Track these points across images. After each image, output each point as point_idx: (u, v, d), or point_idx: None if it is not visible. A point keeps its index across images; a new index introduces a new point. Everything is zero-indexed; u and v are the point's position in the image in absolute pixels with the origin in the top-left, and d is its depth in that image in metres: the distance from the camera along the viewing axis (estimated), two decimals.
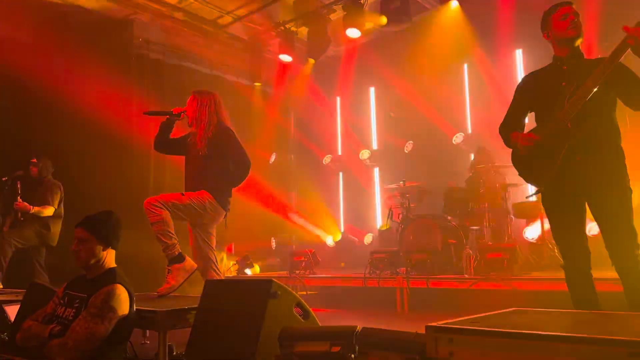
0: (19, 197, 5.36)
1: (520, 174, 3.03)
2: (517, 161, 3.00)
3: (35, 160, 5.64)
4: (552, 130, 2.74)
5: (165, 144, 4.22)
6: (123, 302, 2.66)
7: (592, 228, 3.05)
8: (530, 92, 3.01)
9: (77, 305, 2.68)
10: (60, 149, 6.28)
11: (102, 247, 2.78)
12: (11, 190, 5.46)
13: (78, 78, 6.66)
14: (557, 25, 2.85)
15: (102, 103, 6.77)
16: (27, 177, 5.60)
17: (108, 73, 6.99)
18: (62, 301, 2.79)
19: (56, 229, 5.60)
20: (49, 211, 5.47)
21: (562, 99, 2.74)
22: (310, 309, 2.69)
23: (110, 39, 7.35)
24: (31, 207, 5.34)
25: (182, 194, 3.83)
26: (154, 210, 3.67)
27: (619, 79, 2.65)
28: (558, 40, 2.89)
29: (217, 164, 3.94)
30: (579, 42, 2.86)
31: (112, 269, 2.83)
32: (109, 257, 2.84)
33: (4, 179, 5.49)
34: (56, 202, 5.58)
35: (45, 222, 5.50)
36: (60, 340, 2.52)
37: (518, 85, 3.13)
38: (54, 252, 5.68)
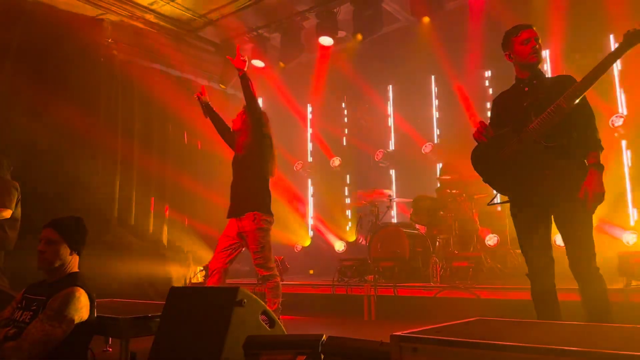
0: None
1: (485, 180, 3.09)
2: (477, 162, 3.08)
3: None
4: (521, 144, 2.83)
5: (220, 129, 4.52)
6: (83, 306, 2.60)
7: (557, 239, 3.15)
8: (497, 113, 3.13)
9: (34, 308, 2.61)
10: (23, 149, 6.10)
11: (69, 251, 2.73)
12: None
13: (44, 77, 6.50)
14: (519, 49, 2.96)
15: (68, 104, 6.62)
16: None
17: (75, 73, 6.84)
18: (19, 305, 2.72)
19: (13, 232, 5.35)
20: (5, 213, 5.18)
21: (526, 118, 2.84)
22: (277, 317, 2.68)
23: (78, 38, 7.19)
24: None
25: (262, 248, 4.01)
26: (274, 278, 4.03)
27: (577, 115, 2.75)
28: (519, 63, 3.01)
29: (253, 174, 4.21)
30: (539, 65, 2.99)
31: (74, 273, 2.77)
32: (73, 262, 2.78)
33: None
34: (13, 204, 5.30)
35: (1, 225, 5.26)
36: (15, 343, 2.45)
37: (491, 108, 3.24)
38: (11, 256, 5.47)
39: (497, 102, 3.17)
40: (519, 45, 2.95)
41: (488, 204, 3.22)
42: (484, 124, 2.94)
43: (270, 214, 4.12)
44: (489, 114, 8.10)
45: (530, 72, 2.98)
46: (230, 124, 4.45)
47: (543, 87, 2.88)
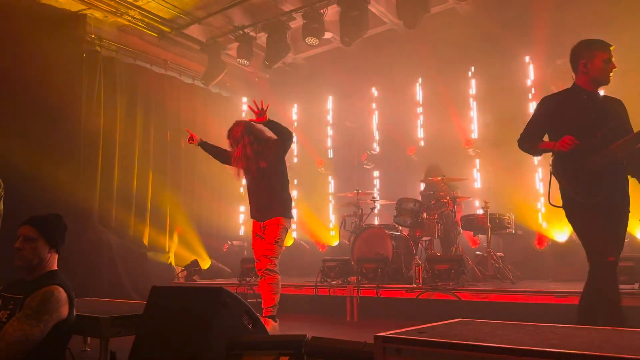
0: None
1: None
2: (569, 176, 3.18)
3: None
4: (604, 159, 3.02)
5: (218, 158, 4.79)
6: (62, 305, 2.55)
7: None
8: (552, 116, 3.25)
9: (11, 307, 2.56)
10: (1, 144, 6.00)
11: (48, 249, 2.68)
12: None
13: (26, 73, 6.38)
14: (601, 67, 3.12)
15: (50, 101, 6.51)
16: None
17: (57, 69, 6.73)
18: None
19: None
20: None
21: (595, 129, 3.04)
22: (260, 317, 2.67)
23: (61, 33, 7.08)
24: None
25: (276, 242, 4.27)
26: (274, 274, 4.25)
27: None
28: (593, 78, 3.16)
29: (277, 179, 4.41)
30: None
31: (53, 271, 2.72)
32: (52, 260, 2.73)
33: None
34: None
35: None
36: None
37: (539, 107, 3.36)
38: None
39: (552, 103, 3.30)
40: (602, 62, 3.11)
41: (553, 205, 3.30)
42: (574, 140, 3.05)
43: (291, 216, 4.48)
44: (472, 114, 8.19)
45: (596, 88, 3.19)
46: (227, 149, 4.69)
47: (602, 104, 3.14)
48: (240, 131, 4.42)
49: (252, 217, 4.56)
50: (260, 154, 4.38)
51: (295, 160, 9.54)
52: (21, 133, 6.30)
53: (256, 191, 4.48)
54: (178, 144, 8.35)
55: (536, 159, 7.12)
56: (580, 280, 5.79)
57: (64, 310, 2.57)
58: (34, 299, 2.50)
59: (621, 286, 4.24)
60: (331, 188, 9.13)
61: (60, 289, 2.58)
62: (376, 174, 8.66)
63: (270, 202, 4.37)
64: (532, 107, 7.27)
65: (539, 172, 7.11)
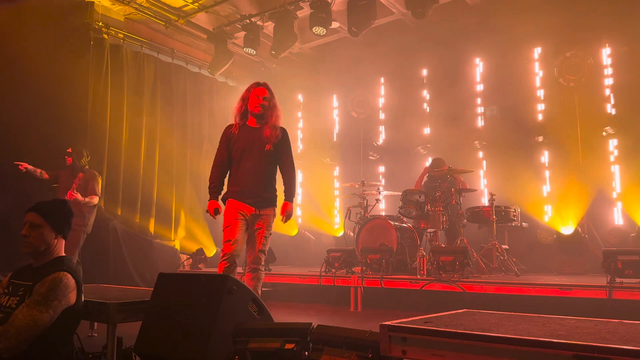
0: (74, 186, 5.41)
1: None
2: None
3: (70, 150, 5.79)
4: None
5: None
6: (70, 291, 2.57)
7: None
8: None
9: (21, 293, 2.58)
10: (6, 133, 6.02)
11: (54, 235, 2.69)
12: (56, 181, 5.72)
13: (33, 60, 6.38)
14: None
15: (58, 88, 6.51)
16: (67, 168, 5.75)
17: (65, 56, 6.73)
18: (6, 290, 2.68)
19: (92, 216, 5.74)
20: (96, 200, 5.64)
21: None
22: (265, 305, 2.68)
23: (68, 21, 7.07)
24: (83, 198, 5.45)
25: (270, 234, 3.97)
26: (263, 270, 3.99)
27: None
28: None
29: (274, 169, 4.09)
30: None
31: (60, 257, 2.73)
32: (59, 246, 2.74)
33: (45, 176, 5.67)
34: (100, 191, 5.75)
35: (87, 210, 5.59)
36: (1, 328, 2.41)
37: None
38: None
39: None
40: None
41: None
42: None
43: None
44: (479, 109, 8.19)
45: None
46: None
47: None
48: (275, 104, 4.03)
49: (241, 199, 3.93)
50: (270, 135, 3.98)
51: (300, 148, 9.52)
52: (28, 120, 6.31)
53: (254, 173, 3.99)
54: (184, 132, 8.36)
55: (544, 154, 7.09)
56: (584, 273, 5.80)
57: (72, 296, 2.59)
58: (42, 285, 2.52)
59: (627, 280, 4.25)
60: (336, 178, 9.13)
61: (69, 275, 2.60)
62: (382, 164, 8.65)
63: (268, 190, 4.02)
64: (539, 98, 7.24)
65: (545, 163, 7.09)
